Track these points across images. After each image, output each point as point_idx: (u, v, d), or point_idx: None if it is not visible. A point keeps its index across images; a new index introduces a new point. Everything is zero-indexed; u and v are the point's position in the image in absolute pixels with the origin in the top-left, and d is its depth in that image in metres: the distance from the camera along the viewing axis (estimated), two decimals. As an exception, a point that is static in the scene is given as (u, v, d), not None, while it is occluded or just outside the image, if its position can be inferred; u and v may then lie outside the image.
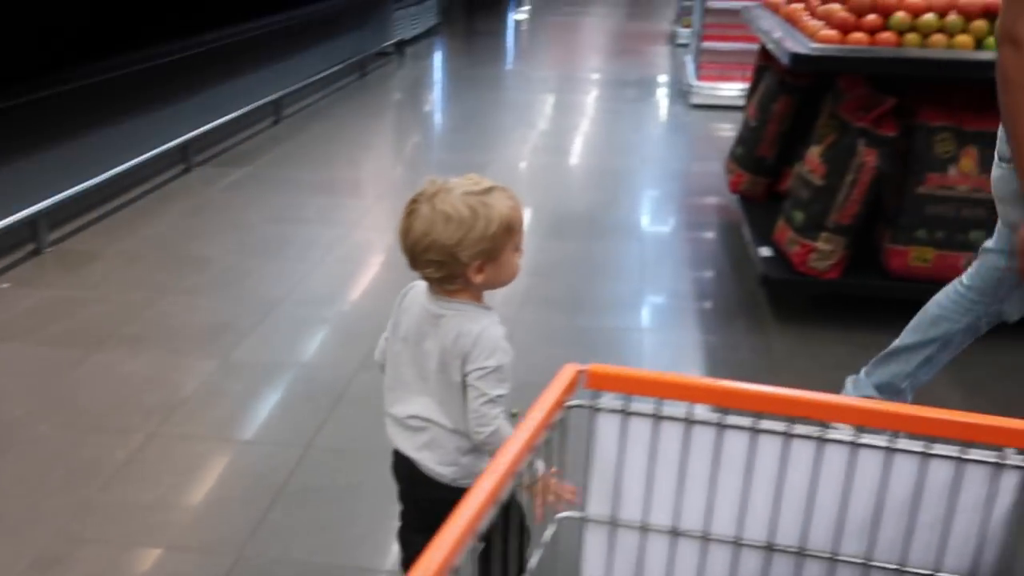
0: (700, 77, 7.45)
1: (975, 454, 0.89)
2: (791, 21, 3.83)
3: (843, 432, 0.90)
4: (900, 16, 3.32)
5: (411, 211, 1.62)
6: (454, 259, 1.58)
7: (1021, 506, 0.88)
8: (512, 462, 0.76)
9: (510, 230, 1.60)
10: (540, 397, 0.89)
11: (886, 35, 3.31)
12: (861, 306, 3.72)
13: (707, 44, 7.42)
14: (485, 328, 1.61)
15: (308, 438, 2.81)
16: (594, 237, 4.73)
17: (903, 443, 0.90)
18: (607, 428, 0.94)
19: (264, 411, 3.02)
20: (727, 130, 6.24)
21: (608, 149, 6.72)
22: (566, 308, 3.86)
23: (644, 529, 0.96)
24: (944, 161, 3.41)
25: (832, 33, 3.34)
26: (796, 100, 4.21)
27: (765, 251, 3.83)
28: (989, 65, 3.24)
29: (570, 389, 0.92)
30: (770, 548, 0.93)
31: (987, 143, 3.39)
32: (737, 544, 0.94)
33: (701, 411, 0.93)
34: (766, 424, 0.91)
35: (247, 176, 5.62)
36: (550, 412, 0.86)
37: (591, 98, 8.36)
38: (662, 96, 8.39)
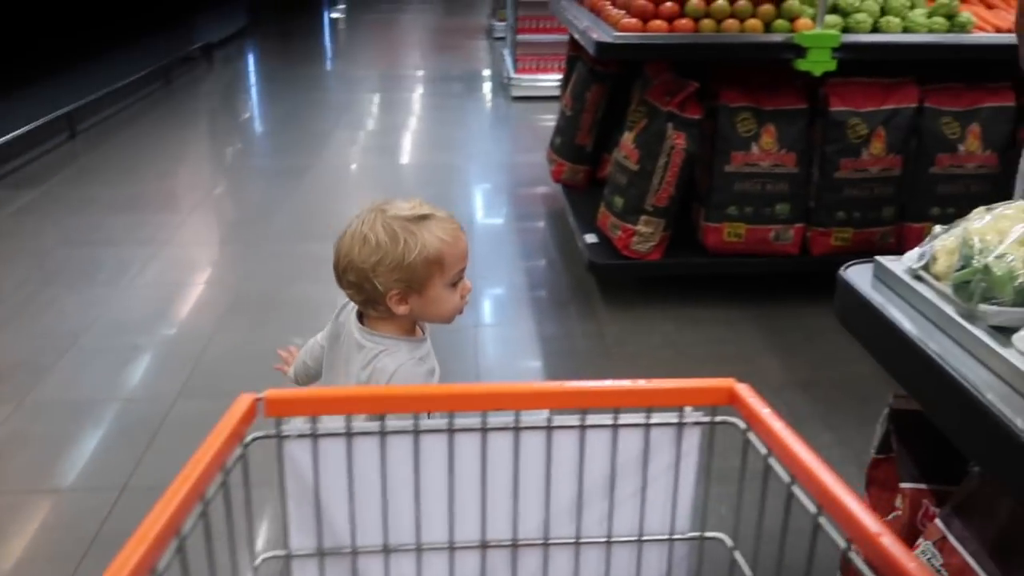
0: (518, 69, 7.53)
1: (658, 418, 0.92)
2: (596, 11, 3.90)
3: (537, 417, 0.90)
4: (695, 3, 3.44)
5: (345, 228, 1.56)
6: (371, 284, 1.51)
7: (702, 460, 0.95)
8: (171, 516, 0.66)
9: (437, 263, 1.51)
10: (210, 433, 0.80)
11: (683, 22, 3.43)
12: (684, 283, 3.85)
13: (522, 36, 7.51)
14: (401, 365, 1.51)
15: (124, 479, 2.59)
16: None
17: (593, 419, 0.91)
18: (297, 455, 0.88)
19: (73, 455, 2.76)
20: (548, 120, 6.32)
21: (434, 146, 6.67)
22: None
23: (355, 553, 0.91)
24: (747, 139, 3.57)
25: (633, 21, 3.42)
26: (608, 88, 4.31)
27: (590, 238, 3.89)
28: (778, 47, 3.46)
29: (247, 420, 0.83)
30: (484, 546, 0.91)
31: (784, 120, 3.59)
32: (451, 549, 0.91)
33: (396, 422, 0.89)
34: (460, 422, 0.89)
35: (41, 197, 5.16)
36: (220, 451, 0.77)
37: (414, 95, 8.28)
38: (484, 90, 8.43)
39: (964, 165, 3.64)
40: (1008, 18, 3.66)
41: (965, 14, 3.56)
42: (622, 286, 3.94)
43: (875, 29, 3.52)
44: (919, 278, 1.20)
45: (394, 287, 1.50)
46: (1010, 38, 3.55)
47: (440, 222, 1.55)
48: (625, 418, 0.91)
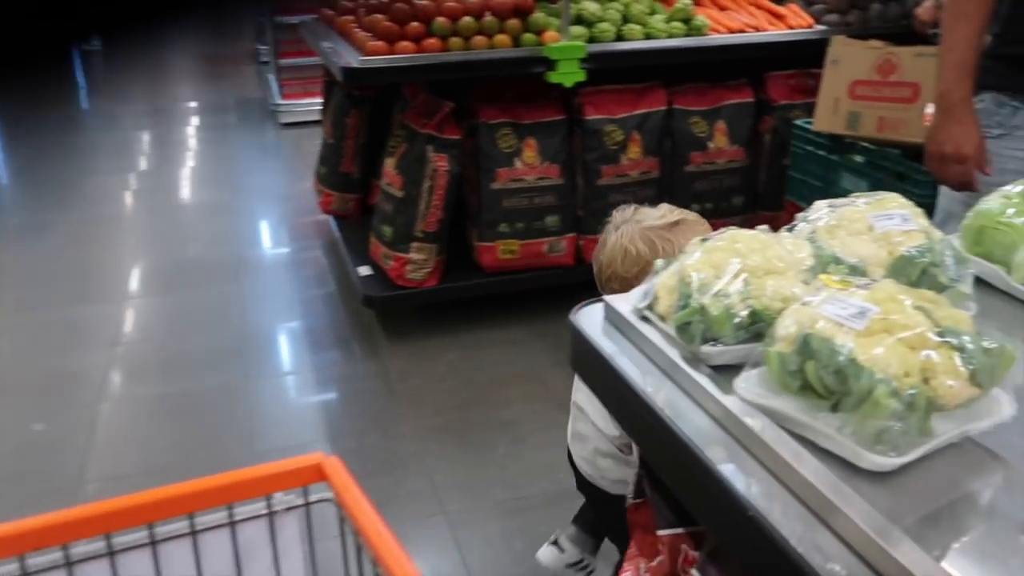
0: (284, 95, 7.21)
1: (243, 512, 0.87)
2: (344, 34, 3.73)
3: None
4: (440, 21, 3.35)
5: (603, 238, 1.70)
6: (628, 286, 1.48)
7: (307, 548, 0.91)
8: None
9: None
10: None
11: (431, 41, 3.33)
12: (466, 307, 3.76)
13: (285, 61, 7.19)
14: None
15: None
16: (201, 283, 4.30)
17: (164, 529, 0.84)
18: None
19: None
20: (319, 147, 6.08)
21: (205, 182, 6.23)
22: (164, 373, 3.43)
23: None
24: (510, 155, 3.53)
25: (379, 44, 3.28)
26: (367, 112, 4.15)
27: (364, 270, 3.72)
28: (528, 61, 3.44)
29: None
30: None
31: (544, 133, 3.58)
32: None
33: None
34: (78, 551, 0.76)
35: None
36: None
37: (186, 128, 7.72)
38: (255, 118, 8.01)
39: (715, 161, 3.79)
40: (739, 19, 3.84)
41: (700, 17, 3.70)
42: (402, 317, 3.79)
43: (619, 37, 3.58)
44: (646, 319, 1.13)
45: None
46: (744, 38, 3.76)
47: (692, 225, 1.65)
48: (204, 520, 0.83)
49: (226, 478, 0.89)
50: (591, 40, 3.50)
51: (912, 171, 2.81)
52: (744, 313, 1.00)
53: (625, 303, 1.18)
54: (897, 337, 0.82)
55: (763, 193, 3.92)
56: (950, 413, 0.84)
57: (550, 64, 3.37)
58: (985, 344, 0.84)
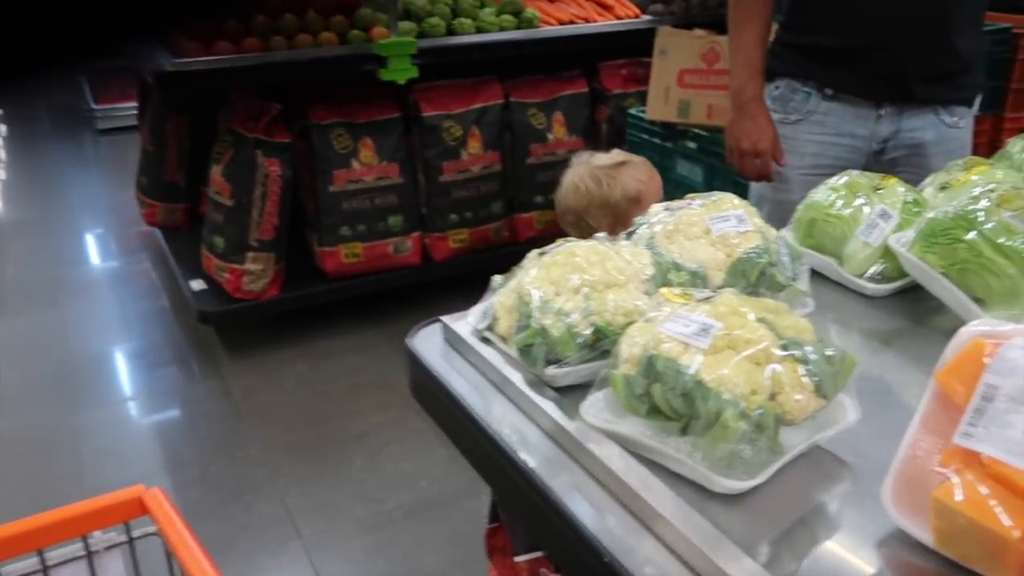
0: (99, 99, 6.70)
1: (58, 555, 0.83)
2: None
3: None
4: (261, 20, 3.16)
5: (561, 182, 1.96)
6: (585, 223, 1.87)
7: None
8: None
9: (636, 200, 1.87)
10: None
11: (251, 41, 3.13)
12: (312, 315, 3.60)
13: (98, 62, 6.68)
14: None
15: None
16: (14, 310, 3.91)
17: None
18: None
19: None
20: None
21: (19, 197, 5.68)
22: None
23: None
24: (346, 156, 3.39)
25: (194, 45, 3.06)
26: (189, 117, 3.88)
27: (197, 284, 3.48)
28: (356, 59, 3.30)
29: None
30: None
31: (380, 131, 3.46)
32: None
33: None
34: None
35: None
36: None
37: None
38: (69, 125, 7.40)
39: (556, 152, 3.79)
40: (568, 10, 3.85)
41: (530, 10, 3.68)
42: (244, 331, 3.59)
43: (450, 31, 3.50)
44: (487, 340, 1.06)
45: (604, 222, 1.85)
46: (575, 29, 3.77)
47: (636, 166, 1.95)
48: (14, 569, 0.78)
49: (35, 521, 0.83)
50: (421, 35, 3.41)
51: (742, 156, 2.89)
52: (587, 331, 0.95)
53: (465, 324, 1.10)
54: (742, 354, 0.79)
55: (603, 182, 3.95)
56: (798, 425, 0.82)
57: (381, 61, 3.25)
58: (827, 353, 0.82)
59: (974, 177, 1.29)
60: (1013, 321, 1.01)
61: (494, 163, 3.68)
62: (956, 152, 1.89)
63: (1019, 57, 3.40)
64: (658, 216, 1.13)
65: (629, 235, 1.16)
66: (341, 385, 3.22)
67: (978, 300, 1.07)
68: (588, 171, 1.92)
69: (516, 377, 0.99)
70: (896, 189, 1.24)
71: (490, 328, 1.06)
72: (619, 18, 3.87)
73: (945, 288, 1.08)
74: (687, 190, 2.91)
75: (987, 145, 3.42)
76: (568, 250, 1.02)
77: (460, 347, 1.09)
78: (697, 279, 1.03)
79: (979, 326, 0.74)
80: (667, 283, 1.02)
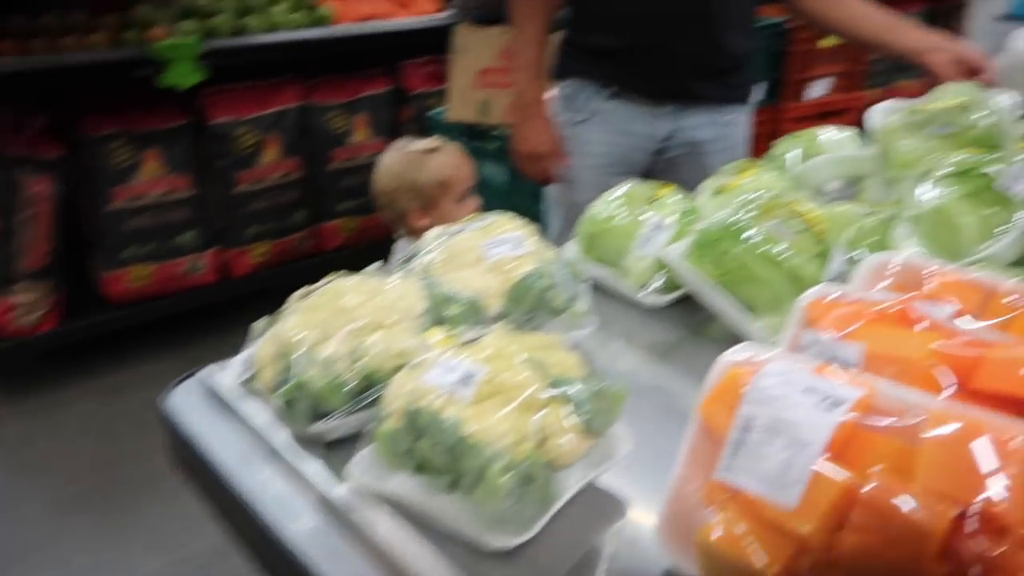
0: None
1: None
2: None
3: None
4: (16, 20, 2.84)
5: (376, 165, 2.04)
6: (396, 205, 1.99)
7: None
8: None
9: (443, 184, 1.95)
10: None
11: (4, 44, 2.80)
12: (101, 346, 3.30)
13: None
14: None
15: None
16: None
17: None
18: None
19: None
20: None
21: None
22: None
23: None
24: (126, 170, 3.13)
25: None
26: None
27: (-38, 321, 3.10)
28: (131, 63, 3.02)
29: None
30: None
31: (166, 141, 3.21)
32: None
33: None
34: None
35: None
36: None
37: None
38: None
39: (359, 156, 3.67)
40: (366, 6, 3.73)
41: (324, 7, 3.53)
42: (18, 370, 3.24)
43: (239, 30, 3.30)
44: (250, 393, 0.96)
45: (413, 205, 1.94)
46: (376, 26, 3.65)
47: (448, 151, 2.01)
48: None
49: None
50: (207, 35, 3.18)
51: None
52: (354, 380, 0.87)
53: (227, 376, 1.00)
54: (507, 401, 0.74)
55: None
56: (571, 466, 0.78)
57: (160, 65, 3.01)
58: (595, 388, 0.79)
59: (745, 181, 1.32)
60: (779, 330, 1.03)
61: (294, 170, 3.52)
62: (732, 150, 1.96)
63: (793, 50, 3.63)
64: (433, 243, 1.07)
65: (407, 262, 1.09)
66: (133, 423, 2.96)
67: (747, 308, 1.08)
68: (401, 154, 1.99)
69: (282, 436, 0.90)
70: (671, 199, 1.25)
71: (252, 380, 0.96)
72: (420, 14, 3.79)
73: (715, 298, 1.09)
74: (492, 192, 2.89)
75: (768, 135, 3.62)
76: (333, 290, 0.94)
77: (221, 403, 0.99)
78: (473, 310, 0.98)
79: (735, 354, 0.72)
80: (441, 318, 0.96)
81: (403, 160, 2.00)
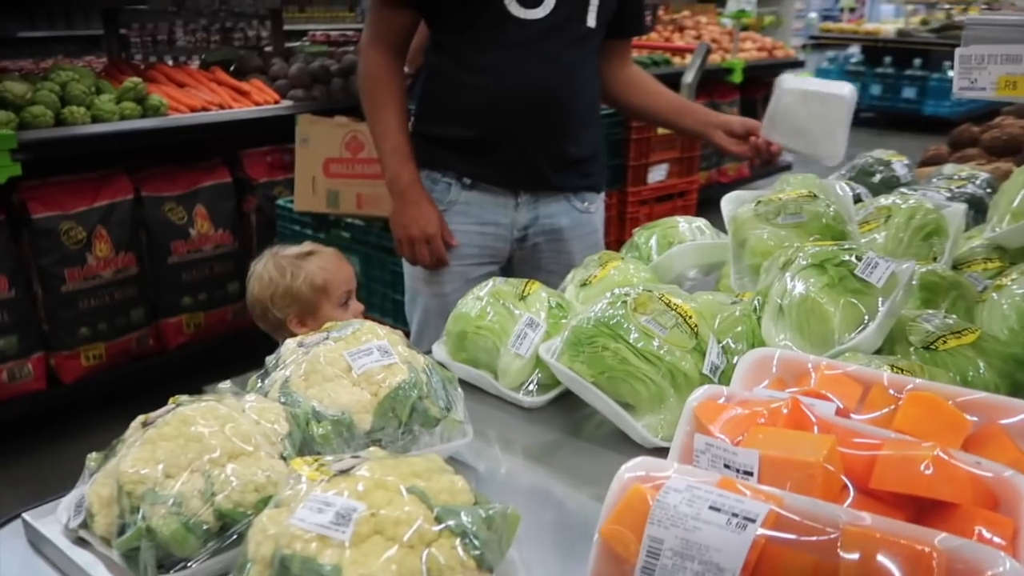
0: None
1: None
2: None
3: None
4: None
5: (249, 274, 1.92)
6: (271, 314, 1.87)
7: None
8: None
9: (322, 288, 1.86)
10: None
11: None
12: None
13: None
14: None
15: None
16: None
17: None
18: None
19: None
20: None
21: None
22: None
23: None
24: (80, 251, 2.90)
25: None
26: None
27: None
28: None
29: None
30: None
31: (113, 219, 2.98)
32: None
33: None
34: None
35: None
36: None
37: None
38: None
39: (202, 248, 3.50)
40: (200, 96, 3.60)
41: (156, 96, 3.38)
42: None
43: (60, 121, 3.09)
44: (83, 541, 0.83)
45: (290, 312, 1.85)
46: (211, 116, 3.51)
47: (322, 256, 1.92)
48: None
49: None
50: (22, 126, 2.96)
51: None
52: (210, 521, 0.77)
53: (54, 521, 0.86)
54: (391, 540, 0.66)
55: (258, 275, 3.72)
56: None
57: (-29, 158, 2.76)
58: (485, 515, 0.72)
59: (611, 272, 1.32)
60: (662, 428, 1.00)
61: (130, 265, 3.30)
62: (591, 236, 1.98)
63: (631, 137, 3.79)
64: (291, 355, 0.99)
65: (262, 378, 0.99)
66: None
67: (627, 406, 1.06)
68: (273, 261, 1.89)
69: (122, 590, 0.78)
70: (540, 295, 1.22)
71: (85, 525, 0.83)
72: (257, 103, 3.70)
73: (597, 397, 1.06)
74: (344, 282, 2.80)
75: (616, 218, 3.75)
76: (180, 417, 0.83)
77: (49, 554, 0.85)
78: (342, 427, 0.90)
79: (635, 470, 0.68)
80: (308, 437, 0.88)
81: (276, 266, 1.89)
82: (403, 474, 0.72)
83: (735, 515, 0.61)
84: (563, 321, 1.18)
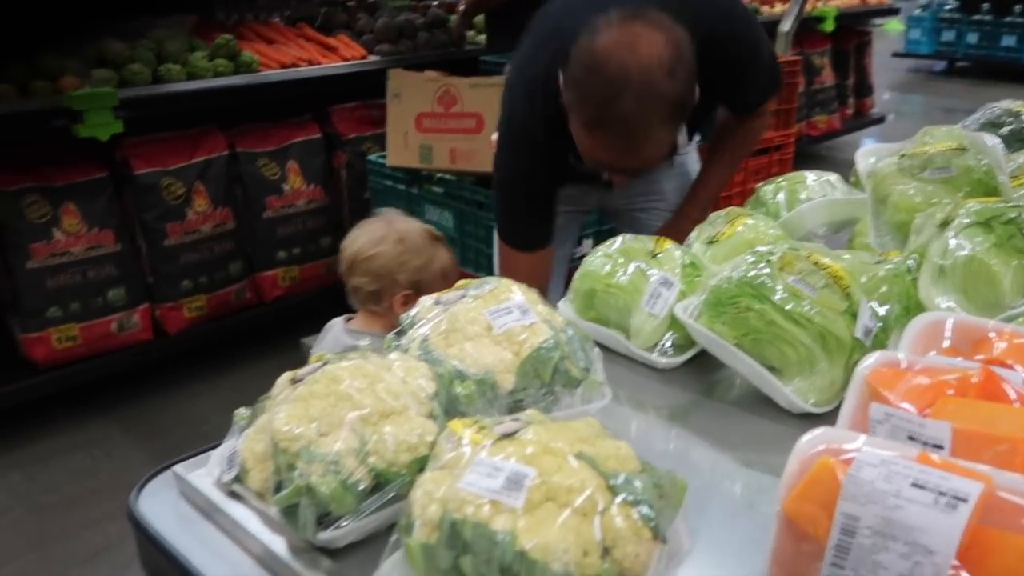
0: None
1: None
2: None
3: None
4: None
5: (362, 225, 1.76)
6: (389, 279, 1.68)
7: None
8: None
9: (443, 278, 1.70)
10: None
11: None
12: (20, 415, 3.05)
13: None
14: None
15: None
16: None
17: None
18: None
19: None
20: None
21: None
22: None
23: None
24: (44, 226, 2.92)
25: None
26: None
27: None
28: (44, 114, 2.79)
29: None
30: None
31: (86, 195, 3.02)
32: None
33: None
34: None
35: None
36: None
37: None
38: None
39: (295, 203, 3.54)
40: (289, 52, 3.61)
41: (247, 53, 3.40)
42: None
43: (157, 78, 3.14)
44: (236, 495, 0.84)
45: (409, 287, 1.66)
46: (301, 72, 3.53)
47: (447, 248, 1.80)
48: None
49: None
50: (122, 84, 3.01)
51: (490, 199, 2.83)
52: (365, 480, 0.76)
53: (206, 475, 0.87)
54: (563, 507, 0.64)
55: (350, 230, 3.74)
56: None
57: (76, 116, 2.82)
58: (655, 481, 0.70)
59: (740, 229, 1.26)
60: (813, 393, 0.96)
61: (227, 220, 3.36)
62: (682, 177, 1.93)
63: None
64: (429, 312, 0.97)
65: (399, 335, 0.98)
66: (68, 493, 2.73)
67: (772, 370, 1.02)
68: (419, 228, 1.74)
69: (280, 545, 0.78)
70: (673, 253, 1.18)
71: (239, 480, 0.84)
72: (345, 59, 3.69)
73: (739, 359, 1.02)
74: (440, 236, 2.79)
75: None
76: (329, 375, 0.82)
77: (202, 506, 0.86)
78: (486, 387, 0.88)
79: (819, 442, 0.65)
80: (452, 397, 0.86)
81: (416, 244, 1.72)
82: (569, 439, 0.70)
83: (942, 494, 0.57)
84: (697, 280, 1.13)
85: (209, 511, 0.85)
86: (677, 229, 1.73)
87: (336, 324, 1.78)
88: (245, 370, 3.38)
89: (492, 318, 0.93)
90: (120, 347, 3.14)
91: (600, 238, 2.60)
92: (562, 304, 1.25)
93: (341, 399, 0.80)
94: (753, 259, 1.04)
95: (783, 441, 0.70)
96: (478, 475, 0.66)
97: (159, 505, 0.88)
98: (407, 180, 3.15)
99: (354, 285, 1.72)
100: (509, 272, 1.71)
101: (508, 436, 0.70)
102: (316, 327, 3.35)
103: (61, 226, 2.95)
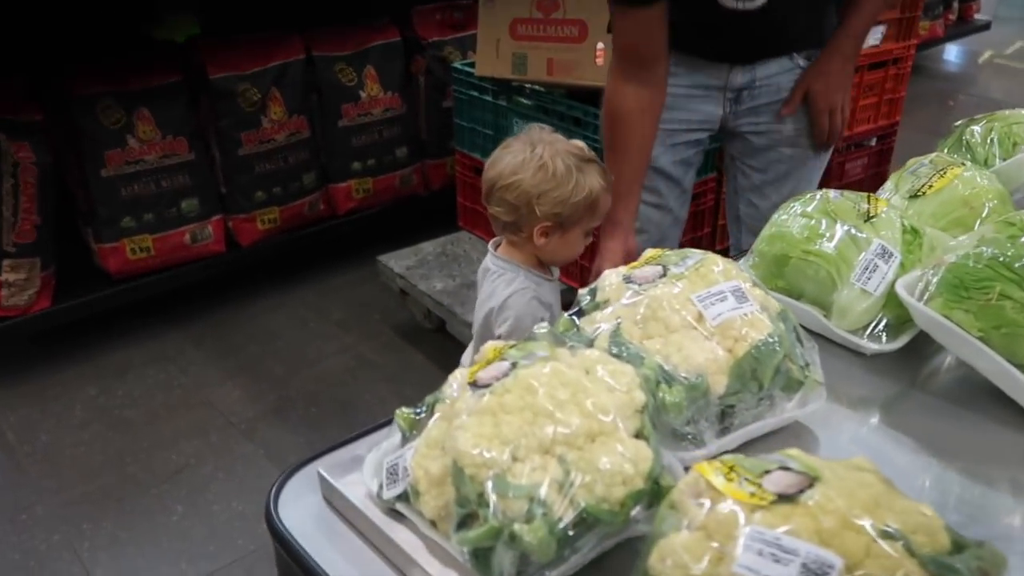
0: None
1: None
2: None
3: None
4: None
5: (507, 146, 1.54)
6: (528, 209, 1.50)
7: None
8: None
9: (591, 208, 1.53)
10: None
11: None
12: (96, 326, 2.99)
13: None
14: (515, 293, 1.50)
15: None
16: None
17: None
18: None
19: None
20: None
21: None
22: None
23: None
24: (118, 132, 2.79)
25: None
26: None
27: (-60, 305, 2.78)
28: (120, 13, 2.66)
29: None
30: None
31: (160, 100, 2.87)
32: None
33: None
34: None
35: None
36: None
37: None
38: None
39: (371, 112, 3.35)
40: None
41: (327, -53, 3.16)
42: (12, 355, 2.93)
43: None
44: (398, 513, 0.70)
45: (549, 219, 1.51)
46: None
47: (601, 169, 1.56)
48: None
49: None
50: (203, -18, 2.83)
51: (588, 115, 2.60)
52: (570, 518, 0.61)
53: (356, 485, 0.73)
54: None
55: (427, 141, 3.56)
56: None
57: (152, 16, 2.65)
58: (979, 561, 0.53)
59: (954, 182, 1.06)
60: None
61: (302, 129, 3.19)
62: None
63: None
64: (619, 292, 0.80)
65: (578, 315, 0.82)
66: (144, 408, 2.69)
67: (1021, 367, 0.84)
68: (562, 152, 1.51)
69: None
70: (890, 216, 0.98)
71: (404, 498, 0.69)
72: (430, -45, 3.43)
73: (982, 354, 0.84)
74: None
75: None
76: (523, 384, 0.66)
77: (354, 520, 0.72)
78: (697, 394, 0.72)
79: None
80: (657, 406, 0.70)
81: (564, 165, 1.52)
82: (864, 503, 0.53)
83: None
84: (919, 250, 0.94)
85: (363, 528, 0.71)
86: (825, 70, 1.67)
87: (487, 259, 1.64)
88: (317, 285, 3.29)
89: (703, 305, 0.76)
90: (193, 259, 3.05)
91: (707, 157, 2.39)
92: (741, 264, 1.07)
93: (539, 415, 0.64)
94: (1005, 230, 0.84)
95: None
96: (757, 556, 0.51)
97: (300, 511, 0.75)
98: (494, 91, 2.93)
99: (492, 214, 1.57)
100: (619, 36, 1.61)
101: (787, 499, 0.54)
102: (389, 241, 3.20)
103: (135, 133, 2.82)
